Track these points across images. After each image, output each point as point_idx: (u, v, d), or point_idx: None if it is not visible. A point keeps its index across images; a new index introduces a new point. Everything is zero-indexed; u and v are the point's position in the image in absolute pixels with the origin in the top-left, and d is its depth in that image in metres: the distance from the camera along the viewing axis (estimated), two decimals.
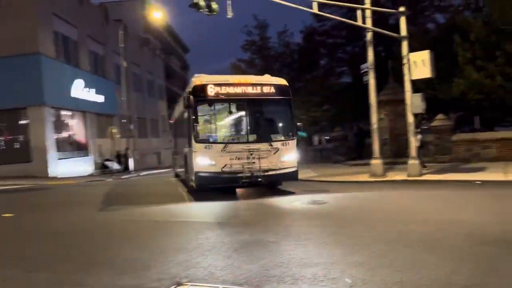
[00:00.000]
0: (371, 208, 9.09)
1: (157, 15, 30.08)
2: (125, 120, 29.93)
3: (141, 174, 26.21)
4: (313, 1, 13.95)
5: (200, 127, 10.71)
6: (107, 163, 27.56)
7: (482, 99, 18.17)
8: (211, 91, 10.66)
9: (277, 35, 31.46)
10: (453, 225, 6.76)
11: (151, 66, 42.90)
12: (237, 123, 11.64)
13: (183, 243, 6.31)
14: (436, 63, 13.69)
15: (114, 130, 27.05)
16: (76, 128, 26.48)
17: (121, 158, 28.22)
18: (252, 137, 10.97)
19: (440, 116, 18.14)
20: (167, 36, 54.74)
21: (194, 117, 10.57)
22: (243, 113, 11.15)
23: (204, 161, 10.41)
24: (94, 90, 27.37)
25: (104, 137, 27.78)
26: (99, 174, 25.49)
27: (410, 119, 13.62)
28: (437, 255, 5.08)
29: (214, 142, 10.77)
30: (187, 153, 11.91)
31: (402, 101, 14.87)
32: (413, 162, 13.58)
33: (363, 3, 14.14)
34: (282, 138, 11.20)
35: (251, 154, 10.51)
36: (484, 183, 11.72)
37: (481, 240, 5.63)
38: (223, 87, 10.79)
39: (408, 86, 13.55)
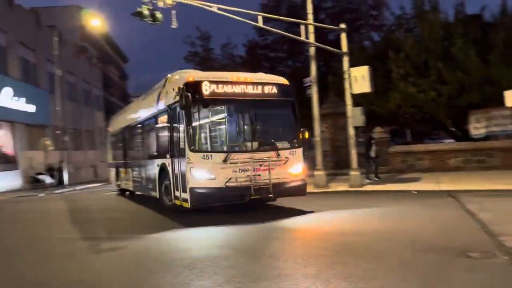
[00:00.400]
0: (317, 219, 9.20)
1: (95, 23, 29.01)
2: (59, 131, 28.32)
3: (77, 189, 24.81)
4: (258, 15, 14.21)
5: (195, 133, 8.93)
6: (39, 176, 25.84)
7: (415, 113, 19.31)
8: (206, 89, 8.93)
9: (220, 47, 31.65)
10: (397, 234, 7.02)
11: (87, 75, 41.14)
12: (239, 129, 9.80)
13: (129, 261, 5.98)
14: (373, 78, 14.34)
15: (47, 142, 25.45)
16: (4, 139, 24.60)
17: (54, 172, 26.59)
18: (258, 145, 9.37)
19: (378, 129, 18.99)
20: (105, 45, 52.98)
21: (187, 120, 8.81)
22: (245, 116, 9.54)
23: (202, 175, 8.67)
24: (24, 99, 25.60)
25: (36, 149, 26.04)
26: (30, 189, 23.78)
27: (351, 131, 14.10)
28: (384, 264, 5.21)
29: (214, 151, 9.13)
30: (166, 165, 10.16)
31: (342, 114, 15.41)
32: (355, 173, 14.04)
33: (305, 19, 14.55)
34: (289, 145, 9.75)
35: (260, 165, 9.00)
36: (420, 192, 12.38)
37: (424, 248, 5.86)
38: (220, 85, 9.13)
39: (349, 100, 14.06)
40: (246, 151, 9.17)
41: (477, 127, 14.84)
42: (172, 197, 9.83)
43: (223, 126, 9.97)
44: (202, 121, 9.35)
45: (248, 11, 14.19)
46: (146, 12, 12.47)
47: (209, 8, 13.01)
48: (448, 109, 18.75)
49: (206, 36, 31.18)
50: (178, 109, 9.26)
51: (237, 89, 9.31)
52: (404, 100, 18.62)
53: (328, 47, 14.77)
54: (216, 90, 9.05)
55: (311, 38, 14.34)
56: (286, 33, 15.98)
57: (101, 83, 46.72)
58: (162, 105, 10.68)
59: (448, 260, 5.24)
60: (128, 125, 15.12)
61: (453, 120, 21.10)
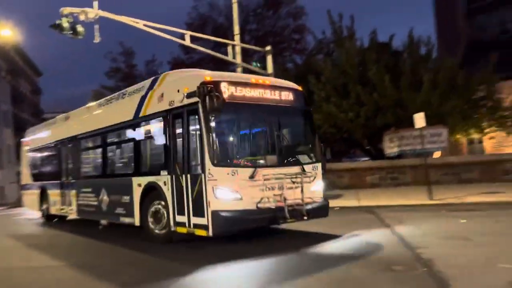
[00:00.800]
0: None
1: (4, 33, 26.97)
2: None
3: None
4: (185, 33, 14.18)
5: (216, 144, 7.46)
6: None
7: (335, 132, 20.30)
8: (225, 91, 7.62)
9: (144, 64, 31.02)
10: (324, 250, 7.23)
11: None
12: (264, 139, 8.57)
13: None
14: None
15: None
16: None
17: None
18: (286, 159, 8.29)
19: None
20: (15, 56, 49.21)
21: (207, 129, 7.36)
22: (270, 125, 8.31)
23: (227, 195, 7.29)
24: None
25: None
26: None
27: None
28: (314, 280, 5.34)
29: (240, 166, 7.61)
30: (158, 184, 8.48)
31: None
32: None
33: (231, 39, 14.80)
34: (310, 160, 8.62)
35: (293, 182, 7.90)
36: (342, 209, 12.97)
37: (352, 263, 6.08)
38: (239, 88, 7.87)
39: None
40: (276, 166, 7.97)
41: (390, 146, 15.90)
42: (171, 223, 8.14)
43: (246, 136, 8.66)
44: (222, 130, 7.94)
45: (175, 29, 14.11)
46: (66, 25, 11.89)
47: (135, 24, 12.74)
48: (365, 129, 19.98)
49: (129, 52, 30.40)
50: (186, 114, 7.94)
51: (259, 93, 8.18)
52: (325, 120, 19.51)
53: (254, 68, 15.12)
54: (235, 93, 7.80)
55: (238, 59, 14.61)
56: (214, 53, 16.08)
57: (10, 98, 43.24)
58: (153, 110, 9.02)
59: (375, 274, 5.49)
60: (74, 137, 12.69)
61: (369, 140, 22.52)
